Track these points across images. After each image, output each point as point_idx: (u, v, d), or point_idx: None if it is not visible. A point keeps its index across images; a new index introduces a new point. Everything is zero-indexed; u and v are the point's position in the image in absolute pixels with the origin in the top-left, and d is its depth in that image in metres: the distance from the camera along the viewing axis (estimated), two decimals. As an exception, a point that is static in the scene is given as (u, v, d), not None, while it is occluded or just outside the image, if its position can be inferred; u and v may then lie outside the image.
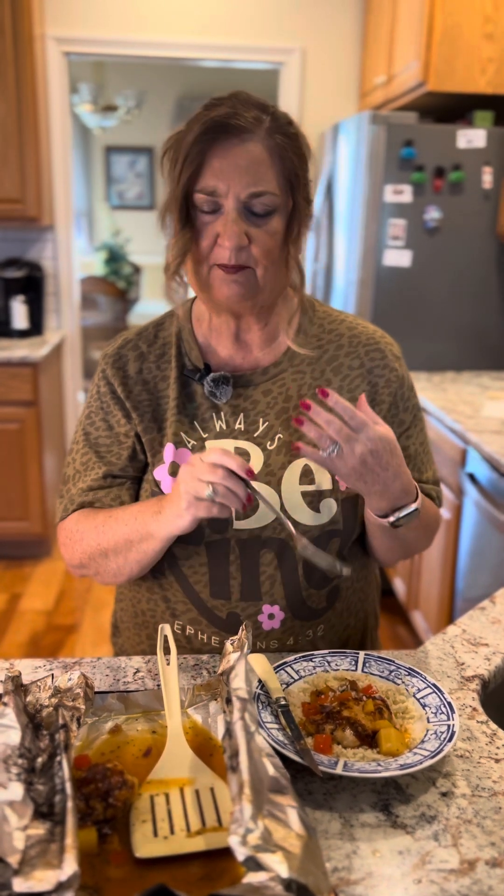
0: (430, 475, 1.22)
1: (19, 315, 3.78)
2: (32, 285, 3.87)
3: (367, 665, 1.03)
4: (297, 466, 1.11)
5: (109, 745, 0.90)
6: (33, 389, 3.47)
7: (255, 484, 1.00)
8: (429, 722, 0.91)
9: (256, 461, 1.11)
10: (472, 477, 2.40)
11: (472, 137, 3.02)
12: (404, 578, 3.07)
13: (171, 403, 1.14)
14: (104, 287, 6.81)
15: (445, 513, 2.60)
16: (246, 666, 0.84)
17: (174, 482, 1.11)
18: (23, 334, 3.80)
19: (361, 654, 1.04)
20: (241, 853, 0.62)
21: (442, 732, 0.88)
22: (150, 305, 7.60)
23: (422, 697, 0.96)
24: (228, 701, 0.81)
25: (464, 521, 2.49)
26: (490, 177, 3.07)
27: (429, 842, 0.77)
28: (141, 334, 1.20)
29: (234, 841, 0.63)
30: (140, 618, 1.22)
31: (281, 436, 1.12)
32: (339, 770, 0.82)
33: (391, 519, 1.05)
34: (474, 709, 0.99)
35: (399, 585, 3.13)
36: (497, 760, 0.89)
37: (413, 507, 1.05)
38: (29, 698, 0.87)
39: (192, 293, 1.17)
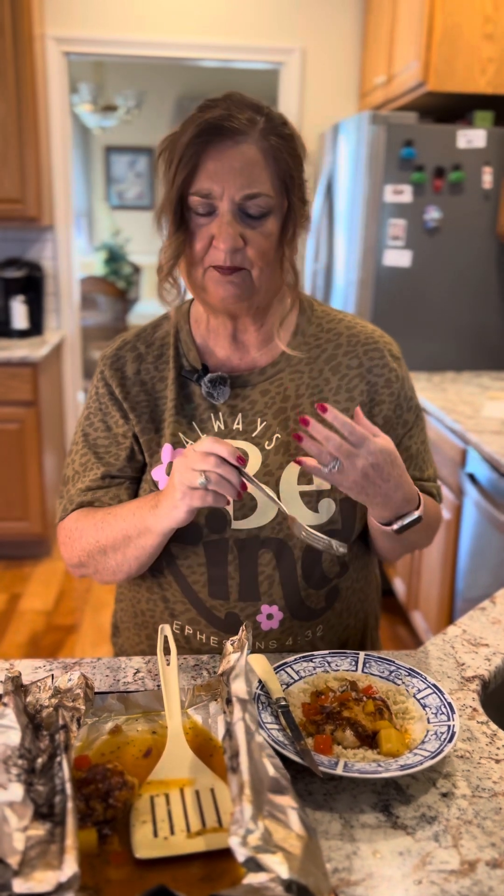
0: (430, 473, 1.23)
1: (19, 315, 3.78)
2: (32, 285, 3.87)
3: (367, 665, 1.03)
4: (295, 466, 1.11)
5: (109, 745, 0.90)
6: (33, 389, 3.47)
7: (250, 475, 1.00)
8: (429, 722, 0.91)
9: (255, 461, 1.11)
10: (472, 477, 2.40)
11: (472, 137, 3.02)
12: (404, 578, 3.07)
13: (169, 404, 1.14)
14: (104, 287, 6.81)
15: (446, 513, 2.60)
16: (246, 666, 0.84)
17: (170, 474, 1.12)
18: (23, 334, 3.80)
19: (361, 654, 1.04)
20: (241, 854, 0.62)
21: (442, 733, 0.88)
22: (149, 305, 7.60)
23: (422, 698, 0.96)
24: (229, 701, 0.81)
25: (464, 521, 2.49)
26: (490, 177, 3.07)
27: (429, 842, 0.77)
28: (139, 335, 1.20)
29: (234, 842, 0.63)
30: (140, 618, 1.22)
31: (279, 436, 1.12)
32: (339, 771, 0.82)
33: (395, 527, 1.06)
34: (474, 709, 0.99)
35: (399, 585, 3.13)
36: (497, 761, 0.89)
37: (416, 514, 1.06)
38: (29, 699, 0.87)
39: (188, 295, 1.17)
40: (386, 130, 2.99)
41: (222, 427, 1.13)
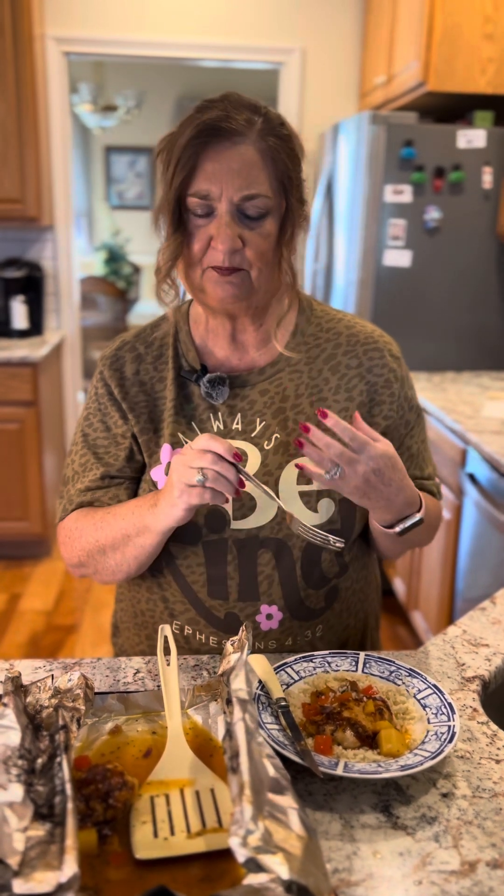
0: (430, 471, 1.24)
1: (19, 315, 3.78)
2: (32, 285, 3.87)
3: (367, 666, 1.03)
4: (294, 466, 1.11)
5: (109, 745, 0.90)
6: (33, 389, 3.47)
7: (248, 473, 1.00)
8: (429, 723, 0.91)
9: (254, 461, 1.11)
10: (472, 477, 2.40)
11: (472, 137, 3.02)
12: (404, 578, 3.07)
13: (169, 404, 1.14)
14: (104, 287, 6.81)
15: (446, 513, 2.59)
16: (246, 667, 0.84)
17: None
18: (23, 334, 3.80)
19: (362, 654, 1.04)
20: (241, 854, 0.62)
21: (442, 733, 0.88)
22: (149, 305, 7.60)
23: (422, 698, 0.95)
24: (229, 702, 0.81)
25: (464, 521, 2.49)
26: (490, 177, 3.07)
27: (429, 843, 0.77)
28: (138, 336, 1.20)
29: (234, 842, 0.63)
30: (140, 618, 1.22)
31: (278, 435, 1.12)
32: (339, 771, 0.82)
33: (397, 529, 1.06)
34: (475, 709, 0.99)
35: (399, 585, 3.13)
36: (498, 761, 0.89)
37: (417, 517, 1.06)
38: (29, 699, 0.86)
39: (187, 295, 1.17)
40: (386, 130, 2.99)
41: (221, 427, 1.13)
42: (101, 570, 1.15)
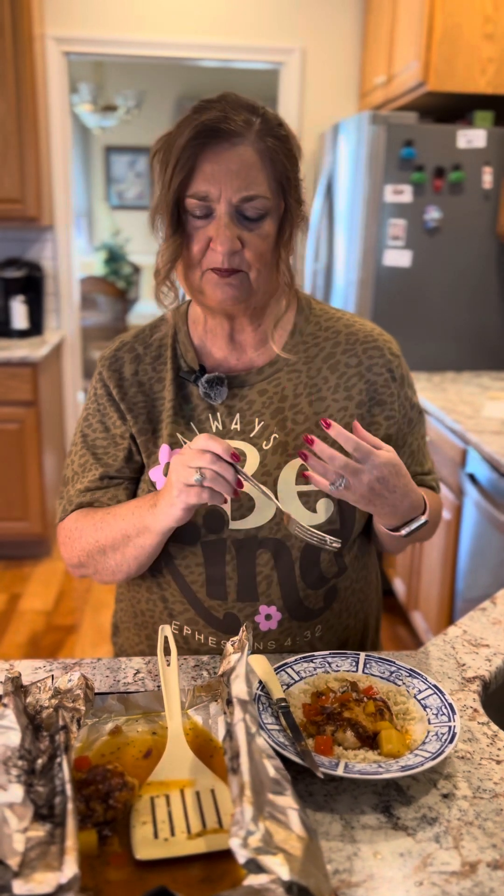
0: (429, 466, 1.25)
1: (19, 315, 3.78)
2: (32, 285, 3.87)
3: (367, 666, 1.03)
4: (293, 466, 1.11)
5: (109, 746, 0.90)
6: (33, 389, 3.47)
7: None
8: (430, 723, 0.91)
9: (252, 461, 1.11)
10: (472, 477, 2.40)
11: (472, 137, 3.02)
12: (404, 579, 3.07)
13: (167, 405, 1.14)
14: (104, 287, 6.81)
15: (446, 513, 2.59)
16: (247, 667, 0.84)
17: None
18: (22, 334, 3.80)
19: (362, 655, 1.04)
20: (241, 855, 0.62)
21: (443, 734, 0.88)
22: (149, 305, 7.58)
23: (423, 699, 0.95)
24: (229, 702, 0.81)
25: (464, 521, 2.49)
26: (490, 177, 3.06)
27: (430, 844, 0.77)
28: (137, 337, 1.20)
29: (234, 843, 0.62)
30: (139, 618, 1.22)
31: (276, 436, 1.12)
32: (339, 772, 0.81)
33: (402, 532, 1.07)
34: (475, 710, 0.99)
35: (399, 586, 3.13)
36: (498, 762, 0.89)
37: (423, 519, 1.07)
38: (29, 699, 0.86)
39: (185, 296, 1.17)
40: (386, 130, 2.99)
41: (220, 427, 1.13)
42: (101, 571, 1.15)
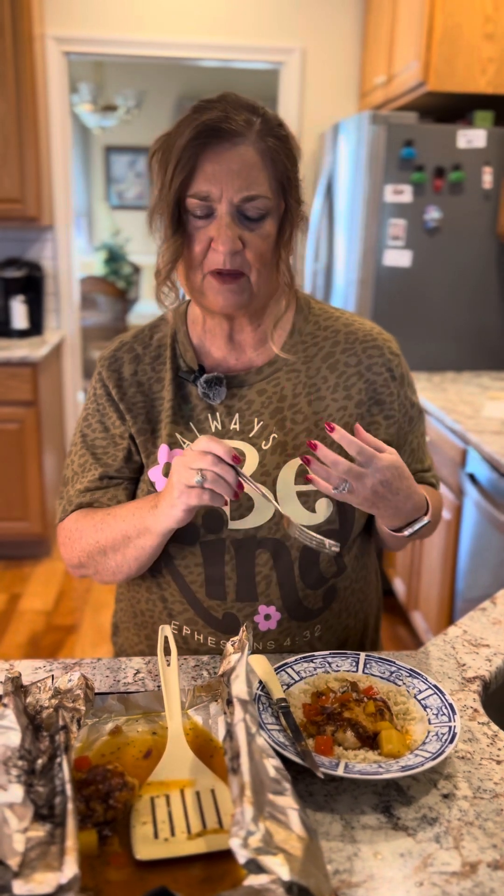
0: (429, 462, 1.26)
1: (19, 315, 3.78)
2: (32, 285, 3.87)
3: (367, 666, 1.02)
4: (292, 466, 1.11)
5: (110, 746, 0.90)
6: (33, 389, 3.47)
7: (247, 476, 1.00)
8: (430, 723, 0.91)
9: (251, 461, 1.11)
10: (472, 477, 2.40)
11: (472, 137, 3.02)
12: (404, 579, 3.07)
13: (167, 405, 1.14)
14: (104, 287, 6.81)
15: (445, 513, 2.59)
16: (247, 667, 0.84)
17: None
18: (22, 334, 3.80)
19: (362, 655, 1.04)
20: (242, 856, 0.62)
21: (443, 734, 0.88)
22: (149, 305, 7.59)
23: (423, 699, 0.95)
24: (229, 702, 0.81)
25: (464, 521, 2.49)
26: (490, 177, 3.06)
27: (430, 844, 0.77)
28: (137, 337, 1.20)
29: (235, 843, 0.62)
30: (139, 618, 1.22)
31: (276, 435, 1.12)
32: (340, 772, 0.81)
33: (405, 533, 1.08)
34: (475, 710, 0.99)
35: (399, 586, 3.13)
36: (498, 762, 0.89)
37: (426, 520, 1.07)
38: (29, 699, 0.86)
39: (185, 296, 1.17)
40: (386, 130, 2.99)
41: (219, 427, 1.13)
42: (101, 571, 1.15)
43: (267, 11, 3.78)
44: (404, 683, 0.99)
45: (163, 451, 1.13)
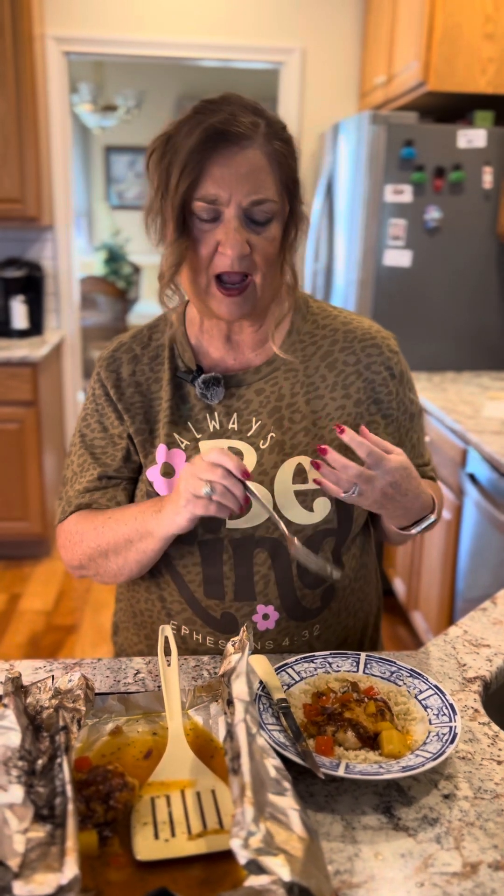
0: (428, 457, 1.27)
1: (19, 315, 3.77)
2: (32, 285, 3.86)
3: (368, 666, 1.02)
4: (290, 465, 1.11)
5: (110, 746, 0.90)
6: (33, 389, 3.47)
7: (251, 485, 1.01)
8: (430, 724, 0.91)
9: (249, 460, 1.11)
10: (472, 477, 2.40)
11: (472, 137, 3.02)
12: (404, 578, 3.07)
13: (165, 405, 1.14)
14: (104, 287, 6.81)
15: (446, 513, 2.59)
16: (247, 667, 0.84)
17: (175, 481, 1.12)
18: (22, 334, 3.80)
19: (363, 655, 1.04)
20: (242, 856, 0.62)
21: (444, 734, 0.88)
22: (149, 305, 7.59)
23: (423, 699, 0.95)
24: (230, 703, 0.81)
25: (464, 521, 2.49)
26: (490, 177, 3.06)
27: (431, 844, 0.77)
28: (135, 337, 1.20)
29: (235, 844, 0.62)
30: (138, 618, 1.22)
31: (274, 435, 1.12)
32: (340, 772, 0.81)
33: (412, 532, 1.10)
34: (476, 710, 0.99)
35: (399, 586, 3.13)
36: (499, 762, 0.89)
37: (432, 518, 1.09)
38: (29, 700, 0.86)
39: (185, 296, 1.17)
40: (386, 130, 2.99)
41: (217, 427, 1.13)
42: (102, 573, 1.16)
43: (267, 11, 3.78)
44: (405, 684, 0.99)
45: (161, 450, 1.13)
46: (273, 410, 1.13)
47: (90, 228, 8.21)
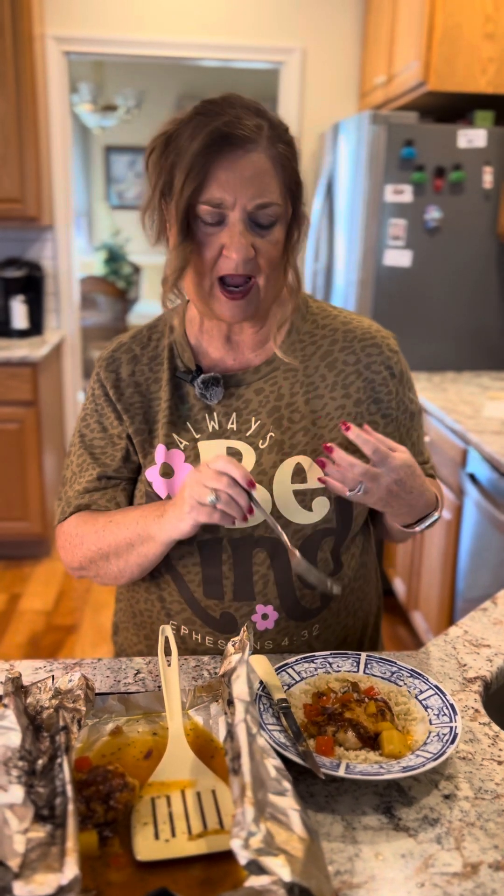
0: (427, 455, 1.27)
1: (19, 315, 3.77)
2: (32, 285, 3.86)
3: (368, 666, 1.02)
4: (288, 465, 1.11)
5: (110, 746, 0.90)
6: (33, 389, 3.47)
7: (255, 494, 1.01)
8: (431, 724, 0.91)
9: (248, 460, 1.11)
10: (472, 477, 2.40)
11: (472, 137, 3.02)
12: (404, 578, 3.06)
13: (164, 405, 1.14)
14: (104, 287, 6.81)
15: (446, 513, 2.59)
16: (248, 667, 0.84)
17: (174, 481, 1.12)
18: (22, 334, 3.80)
19: (363, 655, 1.04)
20: (243, 857, 0.62)
21: (444, 734, 0.88)
22: (149, 305, 7.60)
23: (424, 699, 0.95)
24: (230, 703, 0.81)
25: (464, 521, 2.49)
26: (490, 177, 3.06)
27: (431, 845, 0.77)
28: (135, 337, 1.20)
29: (236, 844, 0.62)
30: (138, 618, 1.22)
31: (273, 434, 1.12)
32: (341, 772, 0.81)
33: (416, 529, 1.11)
34: (476, 710, 0.99)
35: (399, 585, 3.13)
36: (500, 762, 0.89)
37: (436, 515, 1.10)
38: (29, 700, 0.86)
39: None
40: (386, 130, 2.99)
41: (216, 427, 1.13)
42: (102, 575, 1.16)
43: (267, 11, 3.78)
44: (405, 684, 0.99)
45: (160, 451, 1.13)
46: (272, 410, 1.13)
47: (90, 228, 8.21)
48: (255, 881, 0.61)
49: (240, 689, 0.80)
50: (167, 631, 1.00)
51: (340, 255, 3.42)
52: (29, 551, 3.73)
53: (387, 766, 0.83)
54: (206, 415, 1.13)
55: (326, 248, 3.67)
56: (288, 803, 0.70)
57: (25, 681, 1.02)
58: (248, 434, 1.12)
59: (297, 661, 1.03)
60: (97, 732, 0.92)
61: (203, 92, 1.05)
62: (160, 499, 1.13)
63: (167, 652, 0.98)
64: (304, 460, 1.10)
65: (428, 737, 0.88)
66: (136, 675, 1.07)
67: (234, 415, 1.13)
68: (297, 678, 1.00)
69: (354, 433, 0.98)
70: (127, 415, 1.15)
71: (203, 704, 0.97)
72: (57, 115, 3.82)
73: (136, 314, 7.23)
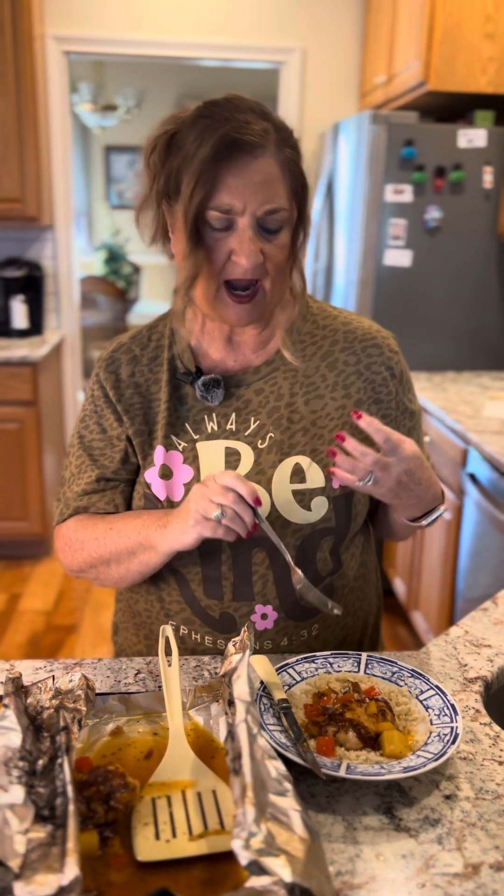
0: (426, 454, 1.26)
1: (19, 315, 3.77)
2: (32, 285, 3.86)
3: (369, 666, 1.02)
4: (287, 465, 1.11)
5: (110, 747, 0.90)
6: (33, 389, 3.47)
7: (260, 511, 1.01)
8: (432, 724, 0.91)
9: (247, 460, 1.11)
10: (472, 477, 2.40)
11: (472, 137, 3.01)
12: (404, 579, 3.06)
13: (163, 406, 1.14)
14: (104, 287, 6.81)
15: (446, 513, 2.59)
16: (248, 668, 0.84)
17: (173, 483, 1.12)
18: (22, 334, 3.80)
19: (364, 655, 1.04)
20: (244, 857, 0.61)
21: (445, 734, 0.87)
22: (149, 305, 7.59)
23: (425, 699, 0.95)
24: (231, 703, 0.81)
25: (464, 521, 2.49)
26: (491, 176, 3.06)
27: (432, 845, 0.77)
28: (135, 338, 1.20)
29: (236, 844, 0.62)
30: (137, 618, 1.22)
31: (272, 434, 1.12)
32: (341, 773, 0.81)
33: (423, 523, 1.10)
34: (477, 710, 0.99)
35: (399, 586, 3.13)
36: (501, 763, 0.89)
37: (442, 509, 1.10)
38: (30, 700, 0.86)
39: None
40: (386, 130, 2.99)
41: (216, 428, 1.13)
42: (102, 578, 1.16)
43: (267, 11, 3.78)
44: (406, 684, 0.99)
45: (159, 452, 1.13)
46: (272, 410, 1.13)
47: (90, 228, 8.21)
48: (255, 882, 0.61)
49: (240, 689, 0.80)
50: (167, 631, 1.00)
51: (340, 254, 3.42)
52: (29, 551, 3.73)
53: (388, 766, 0.83)
54: (206, 416, 1.13)
55: (326, 248, 3.67)
56: (289, 804, 0.70)
57: (26, 681, 1.02)
58: (247, 434, 1.12)
59: (297, 661, 1.02)
60: (98, 733, 0.92)
61: (203, 92, 1.05)
62: (159, 500, 1.13)
63: (167, 652, 0.98)
64: (304, 460, 1.10)
65: (429, 737, 0.88)
66: (136, 675, 1.07)
67: (233, 415, 1.13)
68: (298, 678, 1.00)
69: (366, 421, 0.97)
70: (127, 416, 1.15)
71: (204, 704, 0.97)
72: (57, 115, 3.82)
73: (136, 314, 7.23)
